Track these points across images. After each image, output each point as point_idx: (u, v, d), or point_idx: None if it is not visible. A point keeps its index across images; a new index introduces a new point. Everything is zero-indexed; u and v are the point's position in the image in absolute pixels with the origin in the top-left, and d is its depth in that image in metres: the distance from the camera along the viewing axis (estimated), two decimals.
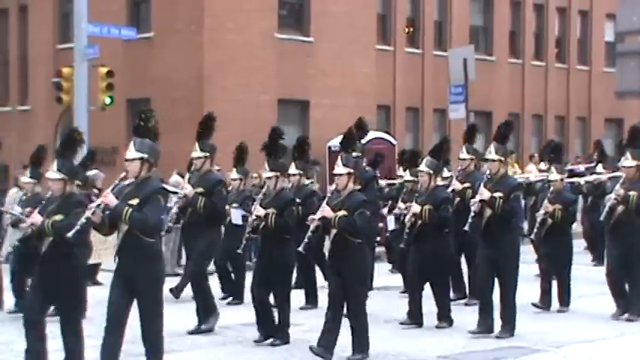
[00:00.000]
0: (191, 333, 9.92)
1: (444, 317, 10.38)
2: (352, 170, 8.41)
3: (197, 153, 10.22)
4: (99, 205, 7.17)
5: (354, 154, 9.24)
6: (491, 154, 9.68)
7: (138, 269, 7.06)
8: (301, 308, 11.48)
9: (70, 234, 7.21)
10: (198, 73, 24.19)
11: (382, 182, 14.36)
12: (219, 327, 10.19)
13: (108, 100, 20.45)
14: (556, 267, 11.49)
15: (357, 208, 8.27)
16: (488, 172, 9.79)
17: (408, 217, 10.37)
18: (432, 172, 10.28)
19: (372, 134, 24.38)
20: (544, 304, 11.45)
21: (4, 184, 25.63)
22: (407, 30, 29.92)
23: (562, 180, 11.51)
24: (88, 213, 7.19)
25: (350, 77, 26.09)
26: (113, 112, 22.15)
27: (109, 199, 7.13)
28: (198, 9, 24.21)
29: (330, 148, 21.95)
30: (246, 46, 24.39)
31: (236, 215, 11.48)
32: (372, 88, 26.98)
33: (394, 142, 23.64)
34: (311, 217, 8.42)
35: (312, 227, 8.36)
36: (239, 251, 10.27)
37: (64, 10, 27.38)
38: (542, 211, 11.30)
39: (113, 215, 7.13)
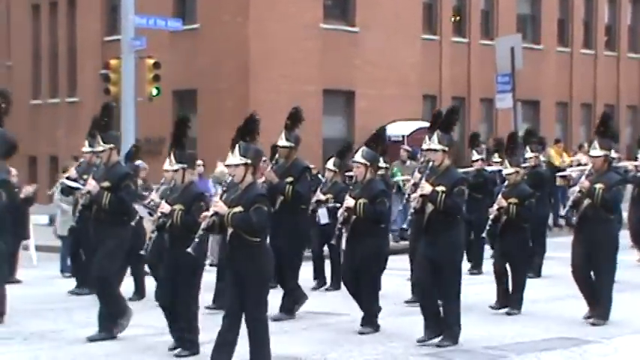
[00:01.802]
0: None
1: (370, 322, 9.55)
2: (249, 161, 7.40)
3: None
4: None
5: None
6: (434, 143, 8.76)
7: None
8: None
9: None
10: (244, 64, 24.24)
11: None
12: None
13: (155, 92, 20.58)
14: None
15: (254, 202, 7.30)
16: (430, 164, 8.89)
17: (340, 211, 9.72)
18: (368, 163, 9.50)
19: (417, 124, 24.37)
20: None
21: (54, 175, 25.93)
22: (453, 19, 29.67)
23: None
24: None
25: (395, 67, 25.97)
26: (160, 104, 22.29)
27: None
28: (244, 0, 24.25)
29: None
30: (291, 36, 24.37)
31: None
32: (417, 77, 26.83)
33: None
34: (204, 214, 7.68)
35: (203, 224, 7.50)
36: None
37: (112, 2, 27.62)
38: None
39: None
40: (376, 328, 9.47)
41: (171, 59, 23.84)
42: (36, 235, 16.06)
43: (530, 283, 11.20)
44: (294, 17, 24.49)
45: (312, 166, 11.47)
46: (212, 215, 7.36)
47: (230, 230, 7.26)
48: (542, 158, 14.36)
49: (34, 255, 16.14)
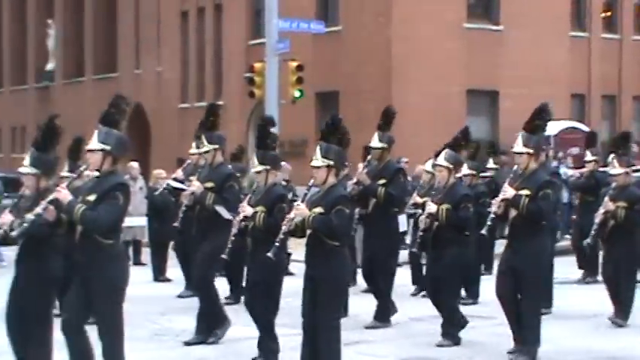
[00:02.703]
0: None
1: (449, 334, 9.11)
2: (332, 163, 7.18)
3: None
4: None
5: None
6: (519, 146, 8.19)
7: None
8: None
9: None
10: (386, 66, 24.15)
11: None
12: (409, 319, 10.11)
13: (298, 94, 20.75)
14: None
15: (336, 205, 7.06)
16: (515, 167, 8.33)
17: (422, 217, 9.29)
18: (451, 166, 9.09)
19: (565, 124, 23.68)
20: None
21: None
22: (604, 14, 28.66)
23: None
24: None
25: (542, 66, 25.30)
26: (303, 106, 22.45)
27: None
28: (387, 1, 24.16)
29: None
30: (434, 37, 24.12)
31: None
32: (565, 76, 26.06)
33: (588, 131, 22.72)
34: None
35: (284, 228, 7.34)
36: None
37: (256, 6, 28.04)
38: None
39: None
40: (456, 341, 9.03)
41: (314, 61, 23.98)
42: None
43: None
44: (437, 17, 24.23)
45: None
46: (293, 218, 7.20)
47: (309, 232, 7.10)
48: None
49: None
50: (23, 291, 6.75)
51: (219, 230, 8.77)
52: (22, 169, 6.86)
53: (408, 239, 13.07)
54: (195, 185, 9.04)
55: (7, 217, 6.71)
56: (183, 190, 10.03)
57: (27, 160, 6.80)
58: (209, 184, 8.97)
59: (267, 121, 8.42)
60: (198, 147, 10.98)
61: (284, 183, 12.55)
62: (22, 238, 6.73)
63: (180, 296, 12.22)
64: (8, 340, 6.85)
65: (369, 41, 24.35)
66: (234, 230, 8.28)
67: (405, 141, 12.70)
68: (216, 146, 9.06)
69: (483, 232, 8.41)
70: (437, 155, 10.59)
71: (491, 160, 12.08)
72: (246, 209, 8.00)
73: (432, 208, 8.99)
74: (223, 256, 8.49)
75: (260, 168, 8.07)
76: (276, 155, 8.28)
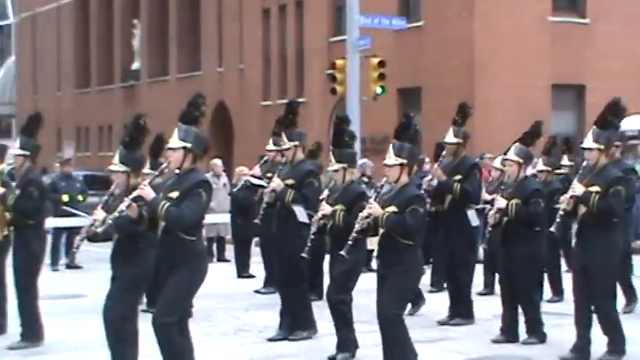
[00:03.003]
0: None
1: (533, 330, 8.90)
2: (405, 161, 7.10)
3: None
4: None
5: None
6: (589, 141, 7.92)
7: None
8: None
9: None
10: (469, 61, 23.91)
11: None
12: (492, 316, 9.99)
13: (379, 90, 20.69)
14: None
15: (410, 204, 7.00)
16: (585, 163, 8.04)
17: (491, 212, 9.01)
18: (521, 160, 8.80)
19: None
20: None
21: None
22: None
23: None
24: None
25: (631, 59, 24.71)
26: (384, 102, 22.37)
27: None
28: None
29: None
30: (518, 30, 23.78)
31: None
32: None
33: None
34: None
35: (357, 227, 7.31)
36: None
37: (338, 3, 28.06)
38: None
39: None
40: (542, 337, 8.81)
41: (396, 57, 23.88)
42: None
43: None
44: (522, 11, 23.88)
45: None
46: (366, 217, 7.16)
47: (381, 231, 7.06)
48: None
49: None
50: (116, 287, 6.87)
51: (300, 228, 8.79)
52: (112, 167, 6.97)
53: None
54: (276, 182, 9.06)
55: (100, 214, 6.80)
56: (263, 187, 10.05)
57: (116, 158, 6.92)
58: (289, 181, 8.96)
59: (342, 119, 8.40)
60: (275, 144, 11.02)
61: (365, 180, 12.52)
62: (105, 236, 6.84)
63: (257, 292, 12.30)
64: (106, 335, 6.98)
65: (452, 36, 24.13)
66: (313, 229, 8.29)
67: (489, 136, 12.53)
68: (297, 143, 9.04)
69: (552, 229, 8.26)
70: (506, 151, 10.43)
71: (565, 157, 11.79)
72: (325, 208, 8.00)
73: (501, 203, 8.82)
74: (303, 254, 8.48)
75: (337, 166, 8.07)
76: (352, 153, 8.27)
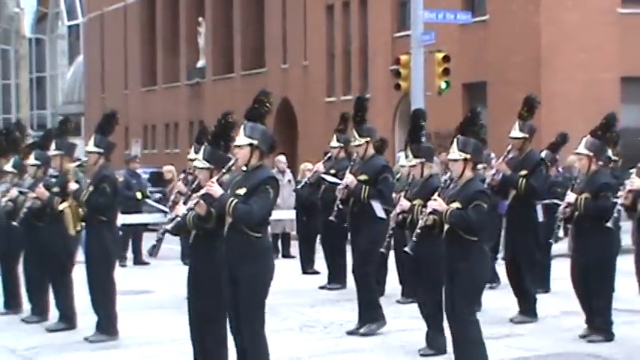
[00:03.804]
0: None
1: (599, 329, 8.67)
2: (468, 156, 7.05)
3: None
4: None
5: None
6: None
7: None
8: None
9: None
10: (535, 55, 23.62)
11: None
12: (560, 312, 9.86)
13: (444, 85, 20.56)
14: None
15: (474, 199, 6.94)
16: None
17: (561, 208, 8.83)
18: (592, 154, 8.61)
19: None
20: None
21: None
22: None
23: None
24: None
25: None
26: (449, 97, 22.22)
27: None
28: None
29: None
30: (585, 23, 23.40)
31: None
32: None
33: None
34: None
35: (421, 223, 7.31)
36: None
37: None
38: None
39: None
40: (609, 337, 8.60)
41: (461, 52, 23.70)
42: None
43: None
44: (589, 3, 23.51)
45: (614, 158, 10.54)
46: (430, 213, 7.14)
47: (446, 227, 7.01)
48: None
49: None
50: (196, 284, 6.94)
51: (374, 223, 8.80)
52: (196, 164, 7.06)
53: (560, 232, 12.67)
54: (349, 179, 9.08)
55: (182, 208, 6.85)
56: (337, 183, 10.08)
57: (201, 155, 6.99)
58: (362, 177, 9.00)
59: (419, 114, 8.40)
60: (338, 140, 11.04)
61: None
62: (182, 231, 6.94)
63: (322, 288, 12.34)
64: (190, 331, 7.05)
65: (517, 30, 23.86)
66: (391, 224, 8.30)
67: (556, 130, 12.33)
68: (368, 139, 9.08)
69: (609, 224, 8.17)
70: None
71: (610, 152, 11.56)
72: (403, 203, 8.00)
73: (571, 197, 8.69)
74: (381, 250, 8.52)
75: (416, 161, 8.11)
76: (430, 147, 8.29)
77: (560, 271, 11.92)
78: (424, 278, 8.02)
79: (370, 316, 9.01)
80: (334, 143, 11.33)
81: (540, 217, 10.01)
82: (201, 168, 6.93)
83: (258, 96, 6.76)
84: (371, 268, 9.04)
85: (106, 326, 8.81)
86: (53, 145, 9.52)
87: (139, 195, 16.02)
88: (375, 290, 9.20)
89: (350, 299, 11.28)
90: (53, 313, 9.72)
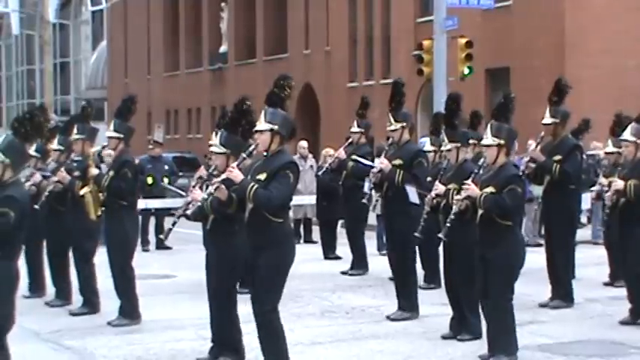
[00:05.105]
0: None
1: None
2: (502, 142, 7.07)
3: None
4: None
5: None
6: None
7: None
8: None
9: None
10: (559, 40, 23.42)
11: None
12: (584, 299, 9.81)
13: (467, 71, 20.46)
14: None
15: (508, 184, 6.97)
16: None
17: (608, 194, 8.87)
18: (639, 141, 8.58)
19: None
20: None
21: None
22: None
23: None
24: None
25: None
26: (472, 82, 22.08)
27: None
28: None
29: None
30: (611, 8, 23.18)
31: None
32: None
33: None
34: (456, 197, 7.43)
35: (455, 208, 7.33)
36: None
37: None
38: None
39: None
40: None
41: (484, 37, 23.54)
42: None
43: None
44: None
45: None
46: (464, 198, 7.15)
47: (480, 212, 7.00)
48: None
49: None
50: (212, 268, 6.99)
51: (409, 207, 8.81)
52: (213, 149, 7.09)
53: (583, 218, 12.60)
54: (384, 163, 9.10)
55: (199, 193, 6.88)
56: (370, 166, 10.07)
57: (217, 140, 7.00)
58: (397, 162, 9.04)
59: (455, 98, 8.41)
60: (359, 126, 11.00)
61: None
62: (199, 217, 6.95)
63: (344, 273, 12.33)
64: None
65: (541, 15, 23.66)
66: (426, 208, 8.31)
67: (579, 117, 12.25)
68: (404, 124, 9.12)
69: None
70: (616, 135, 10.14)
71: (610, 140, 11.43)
72: (438, 187, 8.02)
73: (618, 184, 8.66)
74: (416, 234, 8.55)
75: (450, 146, 8.13)
76: (464, 132, 8.29)
77: (583, 258, 11.90)
78: (457, 264, 7.98)
79: (406, 303, 9.02)
80: (355, 129, 11.29)
81: (588, 205, 9.93)
82: (218, 153, 6.95)
83: (277, 80, 6.74)
84: (409, 252, 9.07)
85: (129, 310, 8.86)
86: (75, 130, 9.56)
87: (149, 180, 16.08)
88: (414, 273, 9.16)
89: (372, 285, 11.32)
90: (77, 297, 9.78)
